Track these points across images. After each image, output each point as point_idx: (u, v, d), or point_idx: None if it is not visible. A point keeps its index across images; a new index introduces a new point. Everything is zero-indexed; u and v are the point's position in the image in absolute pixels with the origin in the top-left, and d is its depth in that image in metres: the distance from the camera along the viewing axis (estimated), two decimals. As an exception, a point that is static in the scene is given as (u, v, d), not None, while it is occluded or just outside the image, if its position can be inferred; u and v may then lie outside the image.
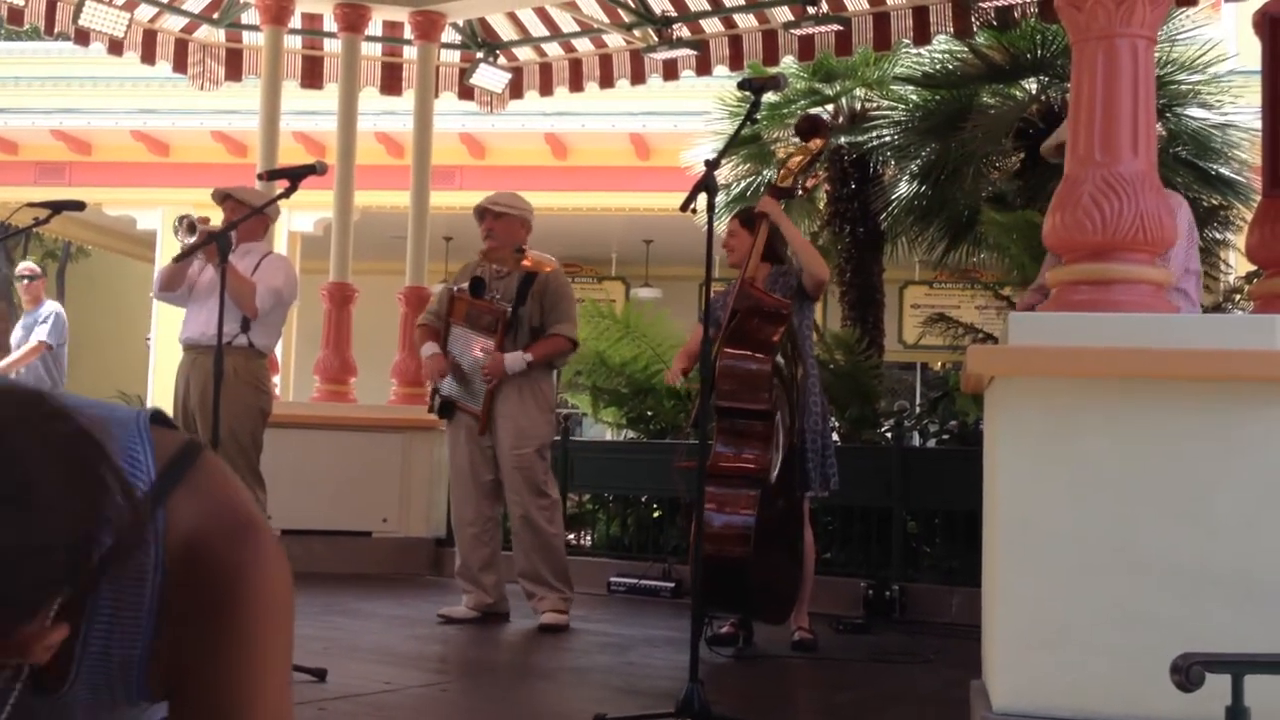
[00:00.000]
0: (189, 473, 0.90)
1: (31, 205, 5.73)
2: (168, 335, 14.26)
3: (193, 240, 5.50)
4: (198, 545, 0.88)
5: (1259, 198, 3.45)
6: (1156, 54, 7.51)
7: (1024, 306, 4.89)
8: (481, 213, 5.77)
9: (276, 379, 7.83)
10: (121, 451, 0.88)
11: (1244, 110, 8.62)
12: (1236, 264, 9.41)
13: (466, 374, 5.73)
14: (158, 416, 0.95)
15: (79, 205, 5.81)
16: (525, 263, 5.66)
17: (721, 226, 9.79)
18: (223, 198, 5.94)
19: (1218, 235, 8.64)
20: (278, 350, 7.56)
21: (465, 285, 5.77)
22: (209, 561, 0.88)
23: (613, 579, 7.21)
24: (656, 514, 7.80)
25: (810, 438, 5.21)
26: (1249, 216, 3.67)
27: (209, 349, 5.32)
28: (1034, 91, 9.05)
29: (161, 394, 14.33)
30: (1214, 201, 8.67)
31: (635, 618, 6.33)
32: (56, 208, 5.65)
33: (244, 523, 0.91)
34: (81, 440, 0.80)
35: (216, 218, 5.92)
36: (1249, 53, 6.24)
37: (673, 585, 7.00)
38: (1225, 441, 3.03)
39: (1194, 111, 8.85)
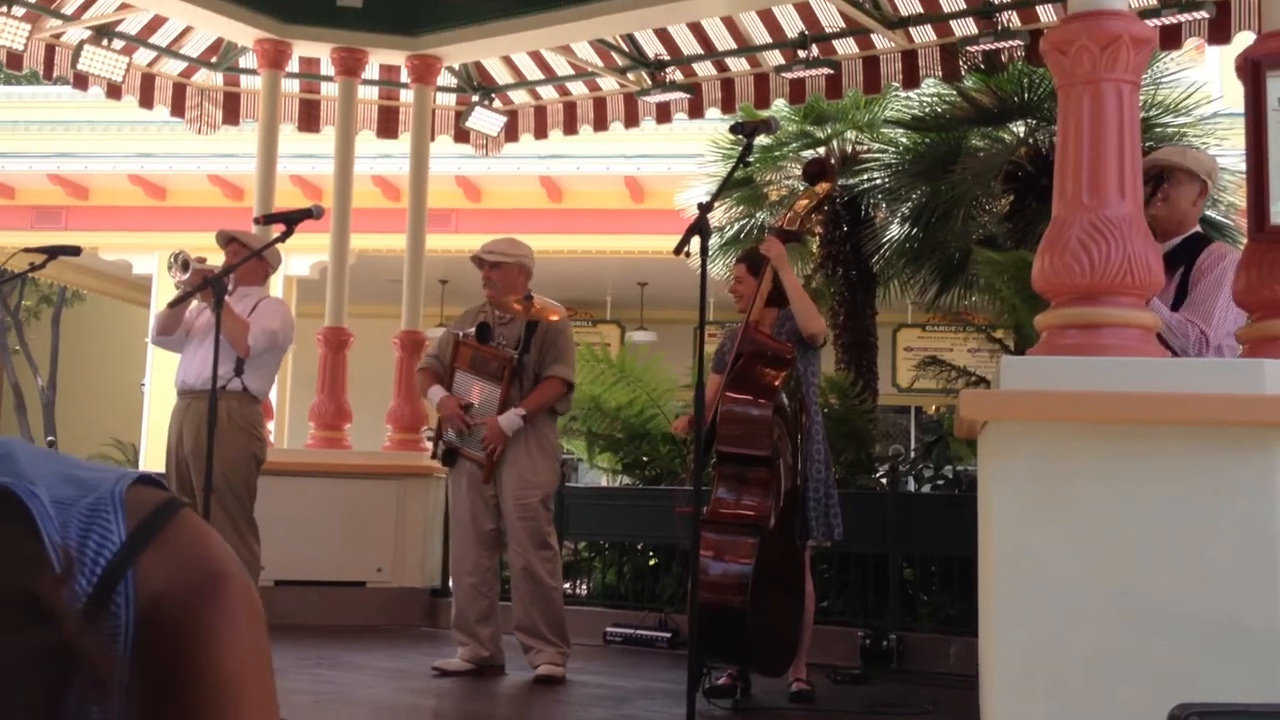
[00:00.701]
0: (160, 533, 0.89)
1: (28, 250, 5.74)
2: (162, 381, 14.27)
3: (186, 278, 5.49)
4: (162, 604, 0.86)
5: (1246, 240, 3.47)
6: (1142, 97, 7.57)
7: None
8: (478, 261, 5.73)
9: (270, 425, 7.82)
10: (93, 519, 0.88)
11: (1230, 152, 8.66)
12: (1226, 306, 9.42)
13: (471, 420, 5.68)
14: (145, 478, 0.95)
15: (75, 250, 5.82)
16: (533, 310, 5.57)
17: (715, 269, 9.86)
18: (227, 240, 5.94)
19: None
20: (271, 395, 7.55)
21: (471, 331, 5.69)
22: (174, 620, 0.87)
23: (609, 629, 7.15)
24: (653, 562, 7.75)
25: (814, 486, 5.16)
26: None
27: (204, 393, 5.29)
28: (1022, 134, 9.11)
29: (155, 440, 14.29)
30: (1203, 243, 8.70)
31: (632, 668, 6.28)
32: (53, 253, 5.67)
33: (212, 577, 0.89)
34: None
35: (214, 259, 5.91)
36: (1233, 95, 6.29)
37: (669, 635, 6.94)
38: (1216, 486, 3.04)
39: (1181, 154, 8.90)
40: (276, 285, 13.15)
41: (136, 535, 0.87)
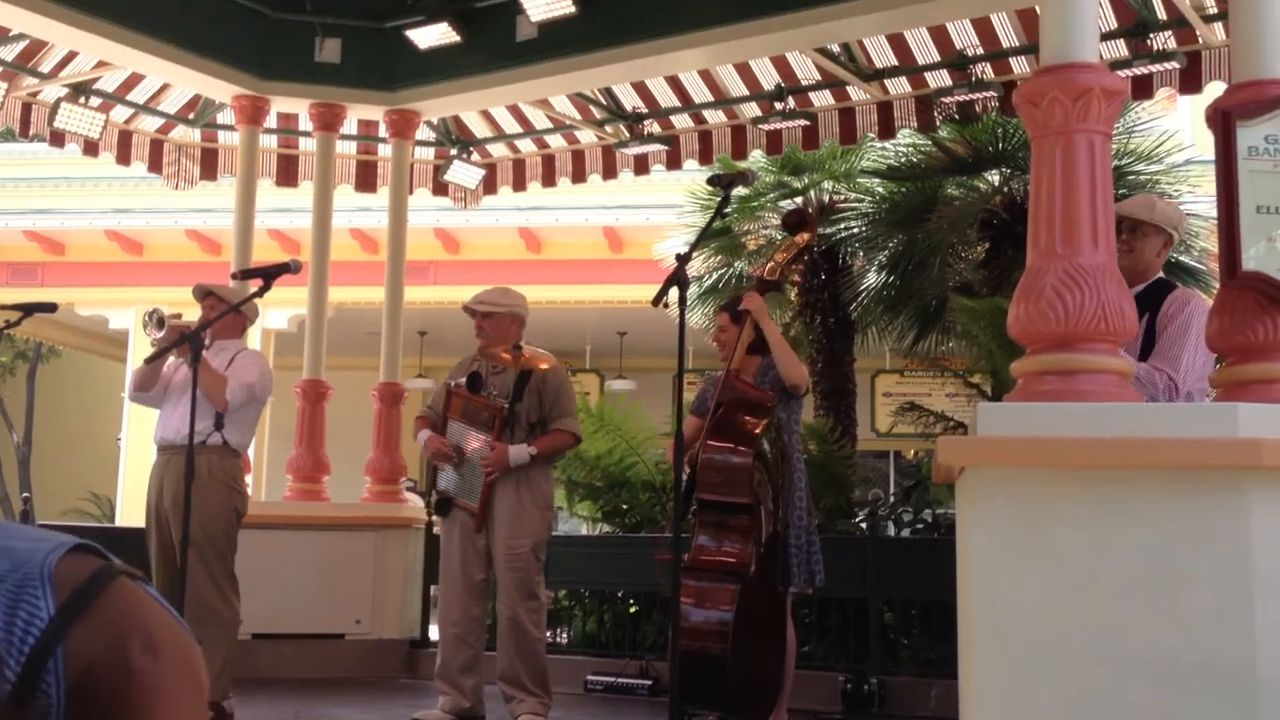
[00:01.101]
0: (91, 605, 0.87)
1: (3, 307, 5.73)
2: (139, 435, 14.20)
3: (162, 334, 5.48)
4: (92, 678, 0.84)
5: (1219, 285, 3.52)
6: (1115, 145, 7.67)
7: None
8: (470, 312, 5.73)
9: (249, 478, 7.78)
10: (19, 597, 0.87)
11: (1202, 199, 8.79)
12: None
13: (464, 470, 5.64)
14: (81, 546, 0.93)
15: (51, 308, 5.81)
16: (522, 360, 5.56)
17: (693, 319, 9.90)
18: (204, 294, 5.91)
19: (1180, 323, 8.74)
20: (250, 448, 7.52)
21: (462, 381, 5.69)
22: (104, 693, 0.84)
23: (590, 677, 7.13)
24: (633, 610, 7.73)
25: (795, 532, 5.17)
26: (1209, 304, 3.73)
27: (184, 448, 5.25)
28: (997, 183, 9.21)
29: (132, 494, 14.20)
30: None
31: (613, 717, 6.26)
32: (28, 310, 5.65)
33: (143, 648, 0.87)
34: None
35: (191, 315, 5.90)
36: (1205, 143, 6.38)
37: (650, 683, 6.92)
38: (1193, 530, 3.06)
39: (1154, 201, 9.00)
40: (254, 338, 13.14)
41: (65, 610, 0.86)
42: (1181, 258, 8.93)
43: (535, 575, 5.57)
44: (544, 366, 5.61)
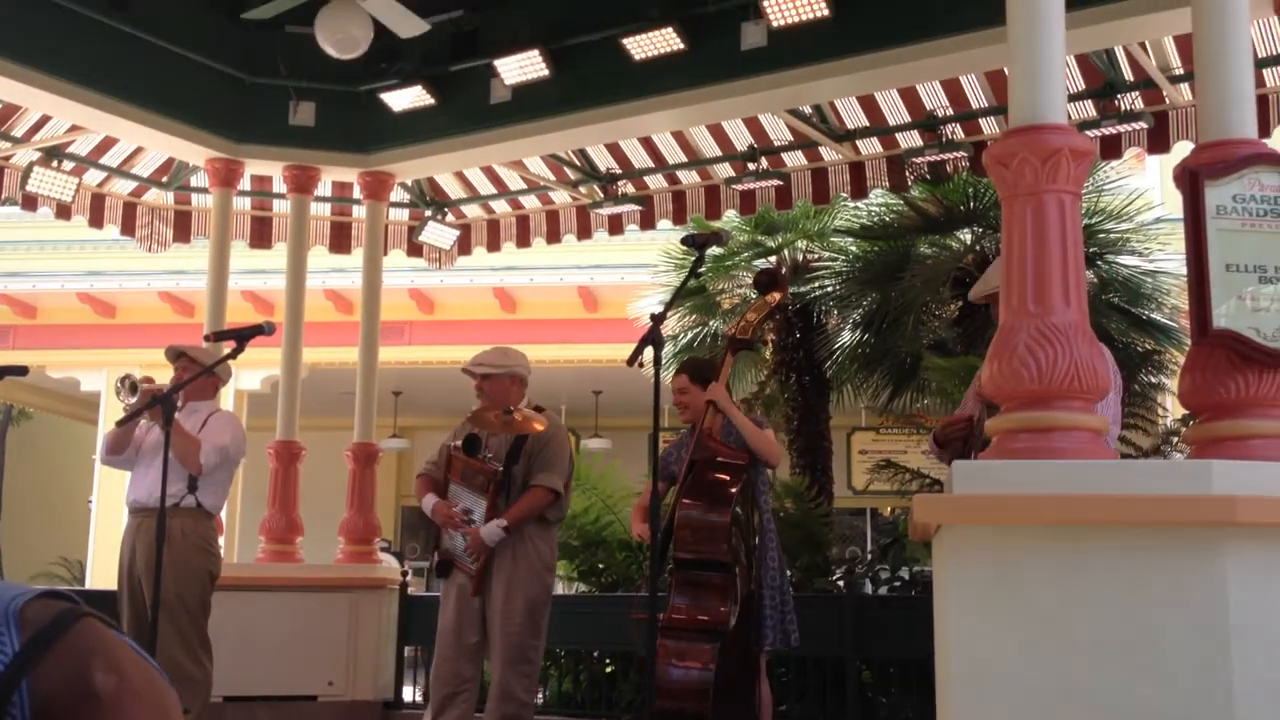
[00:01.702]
0: (56, 642, 0.89)
1: (-26, 371, 5.69)
2: (109, 498, 14.07)
3: (135, 400, 5.45)
4: (53, 706, 0.87)
5: (1190, 342, 3.55)
6: (1085, 203, 7.76)
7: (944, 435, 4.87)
8: (469, 373, 5.67)
9: (221, 539, 7.71)
10: None
11: (1173, 257, 8.88)
12: (1172, 407, 9.59)
13: (464, 529, 5.56)
14: (49, 593, 0.95)
15: (22, 370, 5.76)
16: (512, 423, 5.45)
17: (668, 378, 9.90)
18: (176, 355, 5.91)
19: (1152, 379, 8.81)
20: (222, 510, 7.45)
21: (459, 444, 5.64)
22: (66, 717, 0.87)
23: (566, 737, 7.06)
24: (609, 669, 7.68)
25: (769, 592, 5.16)
26: (1182, 361, 3.76)
27: (157, 510, 5.23)
28: (969, 242, 9.29)
29: (103, 557, 14.04)
30: (1147, 346, 8.87)
31: (589, 778, 6.18)
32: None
33: (104, 670, 0.89)
34: None
35: (162, 376, 5.87)
36: (1174, 201, 6.46)
37: (627, 743, 6.86)
38: (1169, 587, 3.06)
39: (1124, 259, 9.11)
40: (228, 399, 13.07)
41: (31, 645, 0.88)
42: (1153, 314, 9.01)
43: (530, 639, 5.49)
44: (539, 428, 5.49)
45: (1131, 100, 6.98)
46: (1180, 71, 6.79)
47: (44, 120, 8.07)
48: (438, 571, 5.73)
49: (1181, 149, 6.69)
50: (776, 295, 5.45)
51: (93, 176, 8.72)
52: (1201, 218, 3.38)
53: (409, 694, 7.95)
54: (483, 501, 5.50)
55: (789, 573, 6.96)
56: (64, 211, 8.56)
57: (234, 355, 5.43)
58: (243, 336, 5.29)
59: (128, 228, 9.08)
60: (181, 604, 5.59)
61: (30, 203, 8.37)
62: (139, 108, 7.44)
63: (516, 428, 5.46)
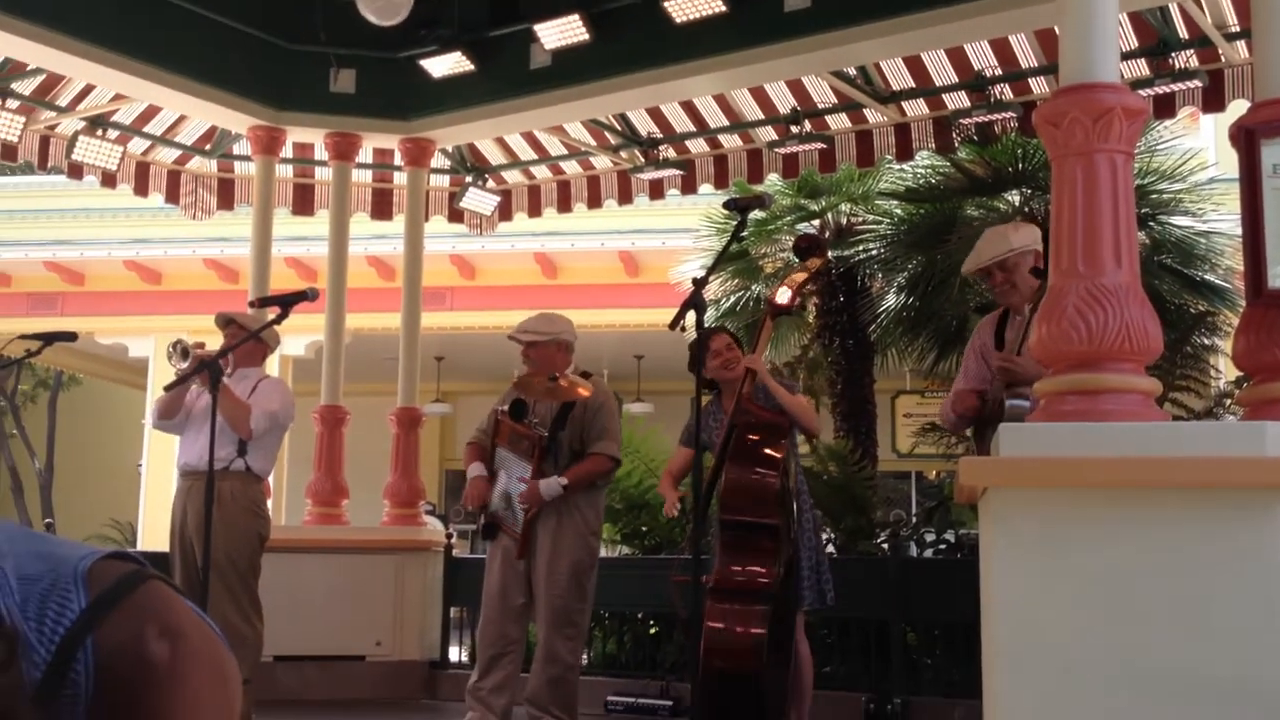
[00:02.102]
0: (122, 601, 0.90)
1: (24, 337, 5.76)
2: (159, 462, 14.23)
3: (186, 364, 5.51)
4: (116, 666, 0.87)
5: (1245, 303, 3.49)
6: (1137, 164, 7.65)
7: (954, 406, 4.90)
8: (516, 340, 5.69)
9: (269, 503, 7.79)
10: (52, 592, 0.89)
11: (1226, 217, 8.74)
12: (1225, 369, 9.46)
13: (510, 496, 5.62)
14: (116, 554, 0.96)
15: (71, 336, 5.84)
16: (559, 389, 5.45)
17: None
18: (225, 322, 5.98)
19: (1205, 341, 8.70)
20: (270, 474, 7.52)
21: (506, 408, 5.65)
22: (127, 682, 0.87)
23: (610, 698, 7.11)
24: (653, 631, 7.72)
25: (805, 553, 5.18)
26: (1235, 322, 3.70)
27: (207, 474, 5.30)
28: (1017, 203, 9.18)
29: (153, 520, 14.23)
30: (1200, 307, 8.75)
31: (634, 739, 6.22)
32: (49, 339, 5.69)
33: (168, 640, 0.90)
34: None
35: (212, 342, 5.93)
36: (1229, 161, 6.35)
37: (670, 704, 6.90)
38: (1220, 549, 3.03)
39: (1177, 220, 8.98)
40: (273, 365, 13.16)
41: (97, 604, 0.89)
42: (1207, 276, 8.88)
43: (575, 603, 5.54)
44: (584, 394, 5.50)
45: (1186, 58, 6.85)
46: (1236, 29, 6.65)
47: (88, 89, 8.12)
48: (483, 534, 5.78)
49: (1237, 108, 6.57)
50: (817, 261, 5.40)
51: (137, 145, 8.77)
52: (1257, 177, 3.33)
53: (455, 654, 8.03)
54: (528, 465, 5.53)
55: (831, 535, 6.98)
56: (109, 180, 8.62)
57: (278, 321, 5.47)
58: (287, 302, 5.33)
59: (172, 195, 9.15)
60: (232, 565, 5.70)
61: (76, 171, 8.44)
62: (181, 76, 7.48)
63: (562, 394, 5.47)
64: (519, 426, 5.60)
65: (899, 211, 9.70)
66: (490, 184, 9.37)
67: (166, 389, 5.77)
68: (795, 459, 5.34)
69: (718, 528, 5.03)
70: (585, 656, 7.95)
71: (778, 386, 5.26)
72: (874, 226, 9.77)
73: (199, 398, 5.84)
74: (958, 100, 7.69)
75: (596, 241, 14.00)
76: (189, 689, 0.89)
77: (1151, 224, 8.72)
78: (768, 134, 8.34)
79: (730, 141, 8.59)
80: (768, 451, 4.98)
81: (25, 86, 7.97)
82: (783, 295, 5.28)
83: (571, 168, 9.27)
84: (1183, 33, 6.83)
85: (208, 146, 8.98)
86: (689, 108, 8.30)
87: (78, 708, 0.86)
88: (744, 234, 4.95)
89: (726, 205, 4.71)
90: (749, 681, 4.74)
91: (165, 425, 6.04)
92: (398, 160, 8.75)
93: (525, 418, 5.61)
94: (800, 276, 5.34)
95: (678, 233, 12.37)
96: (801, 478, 5.35)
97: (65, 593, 0.89)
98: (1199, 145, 10.28)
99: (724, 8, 6.84)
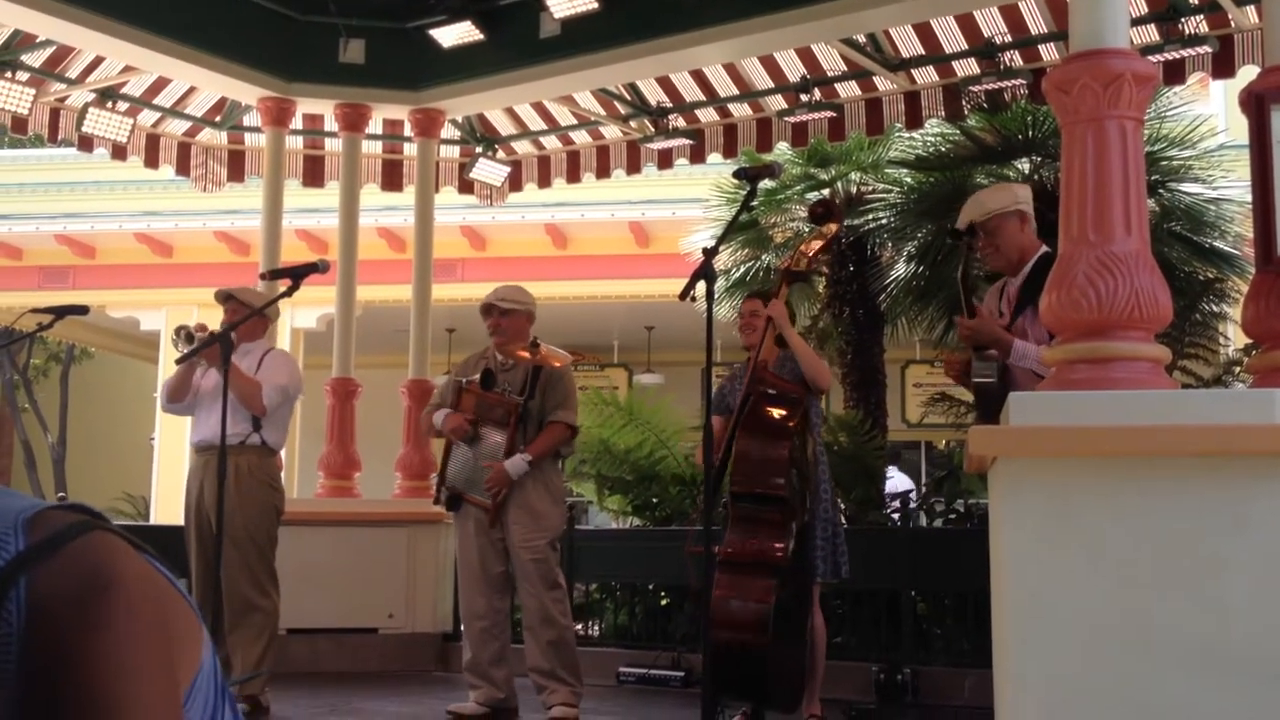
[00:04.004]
0: (65, 547, 0.90)
1: (36, 310, 5.80)
2: (171, 436, 14.29)
3: (193, 348, 5.56)
4: (48, 606, 0.87)
5: (1254, 270, 3.48)
6: (1147, 130, 7.60)
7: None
8: (488, 308, 5.76)
9: (281, 475, 7.82)
10: None
11: (1236, 184, 8.70)
12: (1234, 337, 9.44)
13: (474, 467, 5.66)
14: (73, 506, 0.97)
15: (83, 310, 5.87)
16: (540, 356, 5.58)
17: (721, 312, 9.87)
18: (225, 298, 6.00)
19: (1214, 308, 8.67)
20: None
21: (475, 378, 5.71)
22: (54, 623, 0.87)
23: (622, 669, 7.15)
24: (664, 602, 7.75)
25: (821, 525, 5.18)
26: (1245, 289, 3.69)
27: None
28: (1027, 171, 9.14)
29: (166, 494, 14.31)
30: (1210, 275, 8.72)
31: (645, 708, 6.27)
32: (60, 313, 5.71)
33: (100, 580, 0.89)
34: None
35: (217, 319, 5.97)
36: (1238, 127, 6.32)
37: (682, 674, 6.93)
38: (1231, 517, 3.03)
39: (1187, 186, 8.93)
40: (284, 338, 13.20)
41: (34, 548, 0.90)
42: (1216, 242, 8.84)
43: (555, 565, 5.63)
44: (556, 365, 5.66)
45: (1196, 24, 6.80)
46: (1246, -7, 6.61)
47: (97, 61, 8.11)
48: (447, 505, 5.80)
49: (1247, 73, 6.52)
50: (833, 226, 5.39)
51: (147, 117, 8.77)
52: (1267, 143, 3.31)
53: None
54: (503, 433, 5.56)
55: (842, 506, 6.99)
56: (119, 152, 8.63)
57: (290, 293, 5.49)
58: (297, 274, 5.35)
59: (182, 168, 9.16)
60: (250, 539, 5.76)
61: (86, 144, 8.44)
62: (191, 47, 7.47)
63: (542, 361, 5.57)
64: (490, 395, 5.64)
65: (909, 180, 9.67)
66: (500, 155, 9.36)
67: (178, 362, 5.81)
68: (816, 430, 5.33)
69: (729, 499, 5.04)
70: (597, 628, 8.01)
71: (795, 335, 5.27)
72: (884, 195, 9.74)
73: (205, 377, 5.90)
74: (967, 68, 7.65)
75: (607, 212, 13.98)
76: (117, 638, 0.88)
77: (1161, 191, 8.68)
78: (777, 103, 8.31)
79: (740, 110, 8.56)
80: (780, 422, 4.98)
81: (35, 59, 7.97)
82: (799, 261, 5.29)
83: (581, 138, 9.25)
84: (1193, -2, 6.79)
85: (218, 118, 8.97)
86: (698, 76, 8.27)
87: (10, 649, 0.87)
88: (754, 203, 4.94)
89: (736, 175, 4.71)
90: (753, 654, 4.76)
91: (175, 408, 6.10)
92: (407, 131, 8.74)
93: (495, 387, 5.66)
94: (817, 243, 5.34)
95: (688, 203, 12.35)
96: (821, 449, 5.35)
97: (4, 537, 0.90)
98: (1209, 111, 10.21)
99: (733, -24, 6.80)
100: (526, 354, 5.61)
